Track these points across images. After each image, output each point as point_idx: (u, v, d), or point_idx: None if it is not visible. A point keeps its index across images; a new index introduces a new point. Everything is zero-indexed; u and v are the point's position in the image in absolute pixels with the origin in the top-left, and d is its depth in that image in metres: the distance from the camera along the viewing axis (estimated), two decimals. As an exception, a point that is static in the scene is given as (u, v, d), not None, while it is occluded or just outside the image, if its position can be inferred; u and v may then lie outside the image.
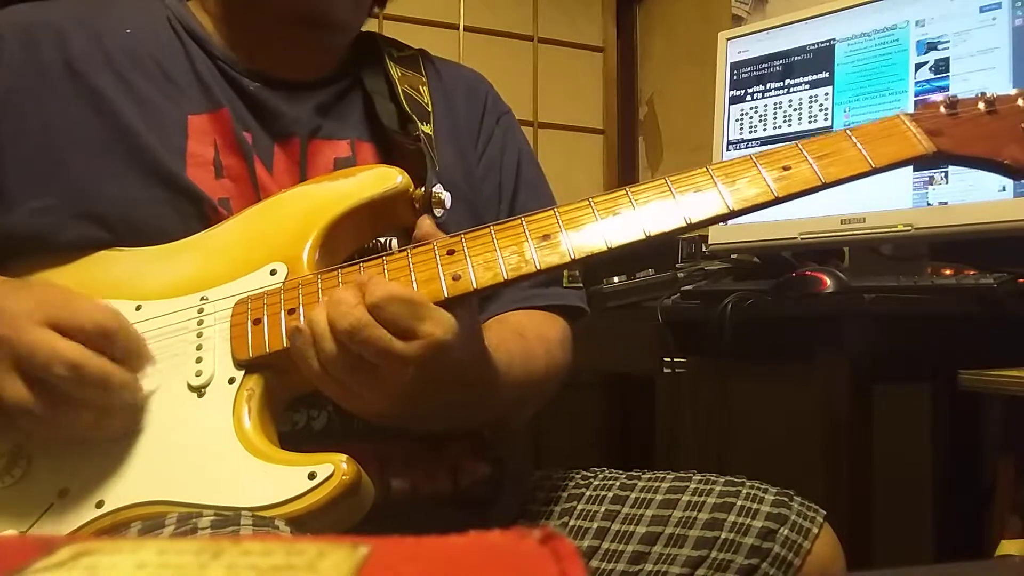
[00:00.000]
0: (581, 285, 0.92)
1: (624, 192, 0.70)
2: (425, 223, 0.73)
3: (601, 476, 0.87)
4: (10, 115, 0.77)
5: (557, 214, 0.70)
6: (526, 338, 0.82)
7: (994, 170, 0.76)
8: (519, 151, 0.96)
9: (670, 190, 0.70)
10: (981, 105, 0.76)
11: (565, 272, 0.90)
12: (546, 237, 0.68)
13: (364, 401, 0.65)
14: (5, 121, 0.76)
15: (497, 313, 0.87)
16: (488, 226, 0.70)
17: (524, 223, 0.69)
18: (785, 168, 0.71)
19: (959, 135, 0.74)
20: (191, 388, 0.67)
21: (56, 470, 0.65)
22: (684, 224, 0.69)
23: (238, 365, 0.68)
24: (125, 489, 0.64)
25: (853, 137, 0.72)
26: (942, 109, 0.76)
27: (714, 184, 0.70)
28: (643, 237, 0.68)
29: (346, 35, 0.89)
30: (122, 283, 0.73)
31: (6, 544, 0.25)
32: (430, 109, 0.87)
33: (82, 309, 0.64)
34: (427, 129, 0.85)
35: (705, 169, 0.72)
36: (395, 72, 0.89)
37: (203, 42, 0.83)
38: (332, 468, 0.61)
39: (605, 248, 0.68)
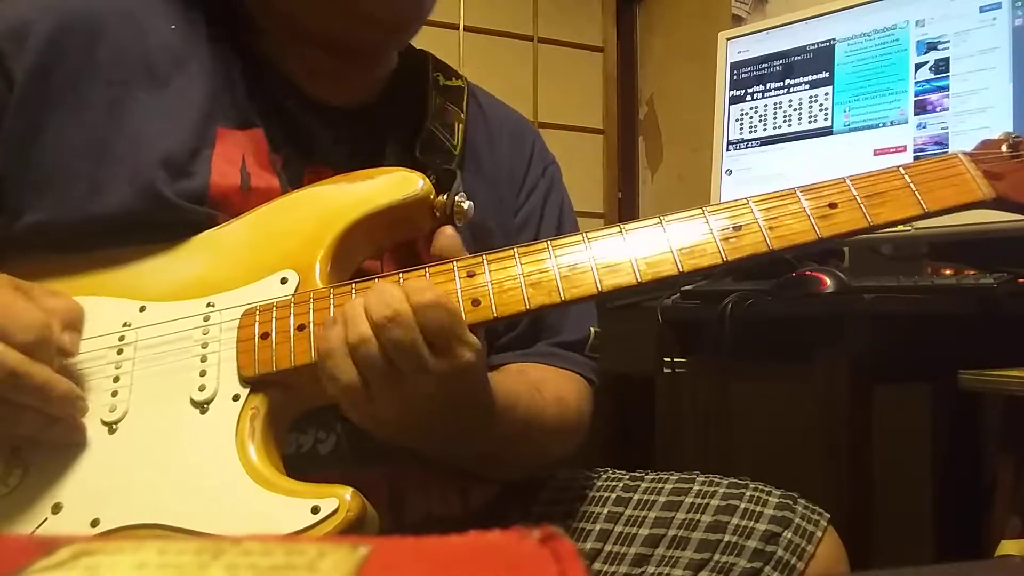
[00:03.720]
0: (599, 356, 0.89)
1: (658, 221, 0.67)
2: (445, 235, 0.69)
3: (604, 477, 0.87)
4: (26, 113, 0.72)
5: (586, 240, 0.66)
6: (542, 394, 0.80)
7: None
8: (561, 203, 0.93)
9: (707, 222, 0.66)
10: None
11: (592, 336, 0.88)
12: (573, 265, 0.65)
13: (376, 410, 0.63)
14: (21, 117, 0.72)
15: (517, 361, 0.84)
16: (512, 248, 0.67)
17: (551, 248, 0.66)
18: (831, 205, 0.66)
19: (1020, 180, 0.69)
20: (194, 403, 0.65)
21: (51, 482, 0.63)
22: (721, 262, 0.65)
23: (243, 382, 0.65)
24: (121, 508, 0.61)
25: (907, 176, 0.68)
26: (1004, 149, 0.70)
27: (754, 219, 0.66)
28: (676, 272, 0.64)
29: (385, 66, 0.86)
30: (128, 282, 0.70)
31: (6, 544, 0.25)
32: (456, 151, 0.84)
33: (23, 315, 0.61)
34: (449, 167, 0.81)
35: (746, 201, 0.67)
36: (432, 103, 0.86)
37: (246, 46, 0.79)
38: (336, 503, 0.58)
39: (635, 282, 0.64)
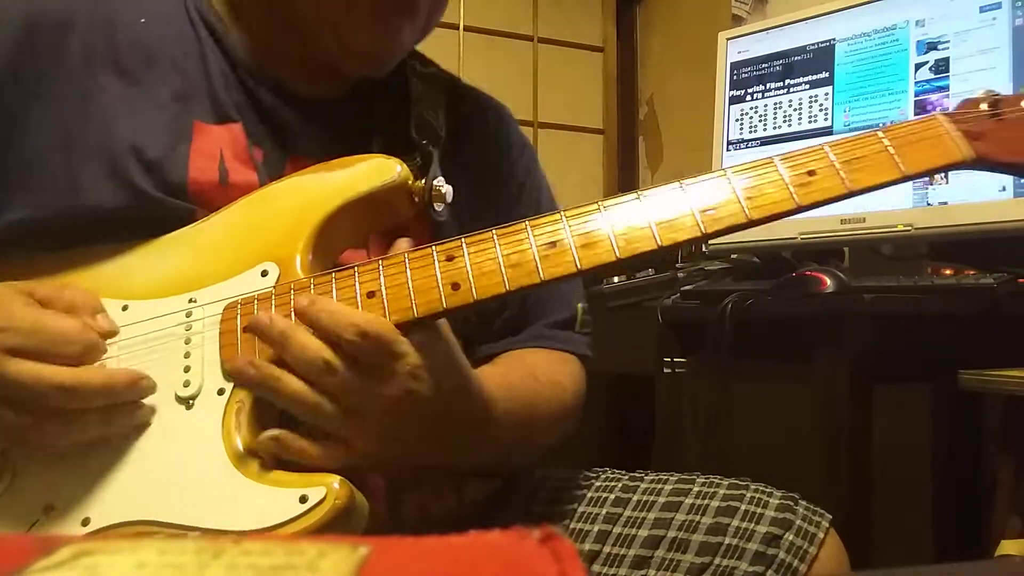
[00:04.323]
0: (590, 331, 0.89)
1: (636, 196, 0.66)
2: (401, 245, 0.70)
3: (604, 477, 0.86)
4: (0, 112, 0.72)
5: (564, 218, 0.65)
6: (538, 380, 0.80)
7: None
8: (540, 184, 0.93)
9: (684, 195, 0.65)
10: None
11: (580, 312, 0.88)
12: (552, 244, 0.65)
13: (364, 449, 0.64)
14: None
15: (509, 349, 0.84)
16: (491, 230, 0.66)
17: (529, 228, 0.66)
18: (810, 173, 0.65)
19: (1001, 139, 0.67)
20: (179, 399, 0.65)
21: (41, 484, 0.63)
22: (699, 234, 0.64)
23: (228, 376, 0.65)
24: (111, 507, 0.62)
25: (885, 139, 0.66)
26: (983, 107, 0.68)
27: (732, 190, 0.65)
28: (655, 247, 0.64)
29: None
30: (109, 281, 0.70)
31: (6, 544, 0.25)
32: (442, 133, 0.84)
33: (49, 327, 0.62)
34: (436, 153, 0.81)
35: (723, 172, 0.66)
36: (416, 89, 0.85)
37: (221, 41, 0.78)
38: (324, 491, 0.59)
39: (614, 258, 0.64)
